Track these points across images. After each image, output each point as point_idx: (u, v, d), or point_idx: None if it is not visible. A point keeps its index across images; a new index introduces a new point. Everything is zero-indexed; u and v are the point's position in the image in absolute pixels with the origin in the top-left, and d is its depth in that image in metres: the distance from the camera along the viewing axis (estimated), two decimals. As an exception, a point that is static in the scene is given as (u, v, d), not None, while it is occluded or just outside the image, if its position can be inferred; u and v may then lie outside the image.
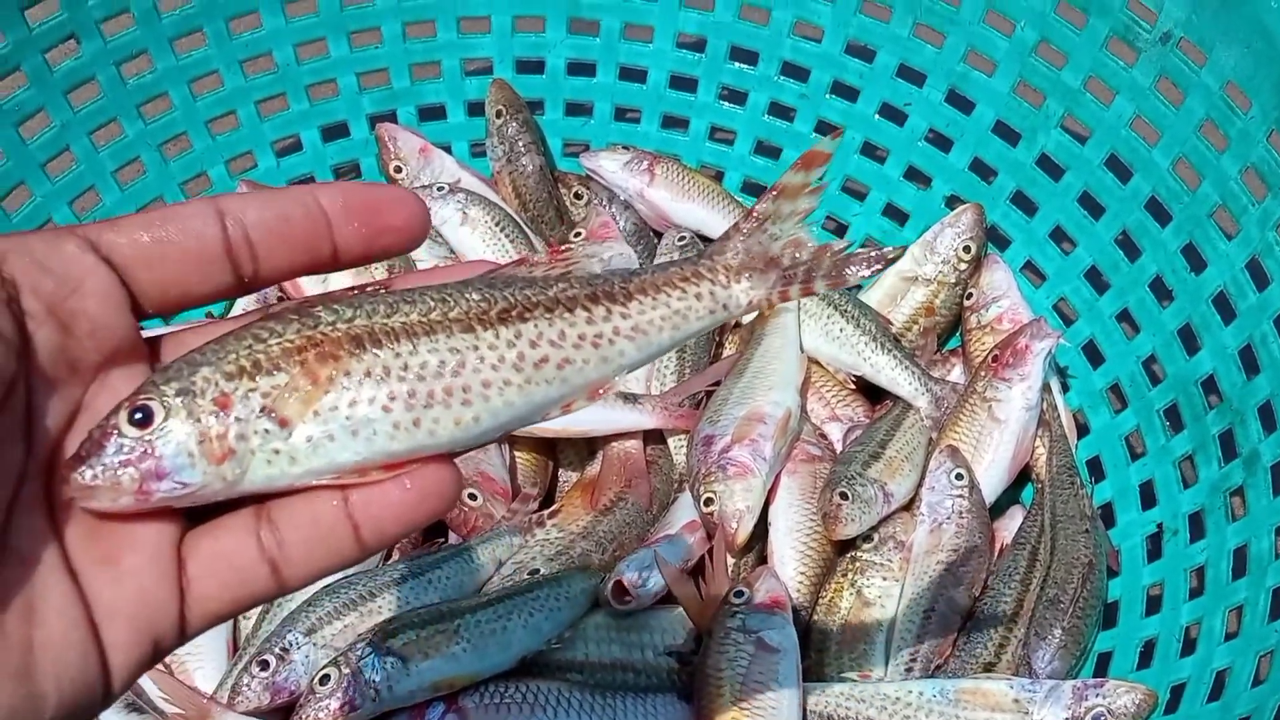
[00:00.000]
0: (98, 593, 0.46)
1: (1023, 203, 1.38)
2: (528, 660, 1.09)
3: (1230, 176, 1.16)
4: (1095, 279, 1.32)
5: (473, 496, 1.21)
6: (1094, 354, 1.32)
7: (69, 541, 0.47)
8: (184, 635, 0.48)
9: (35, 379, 0.46)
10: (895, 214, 1.47)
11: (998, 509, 1.28)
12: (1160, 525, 1.20)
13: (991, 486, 1.25)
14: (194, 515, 0.49)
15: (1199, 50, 1.18)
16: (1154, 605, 1.16)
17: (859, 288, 1.44)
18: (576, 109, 1.54)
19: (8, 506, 0.45)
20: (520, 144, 1.46)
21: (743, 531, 1.17)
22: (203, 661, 1.13)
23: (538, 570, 1.16)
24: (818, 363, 1.36)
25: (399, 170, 1.45)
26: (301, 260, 0.52)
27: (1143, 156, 1.25)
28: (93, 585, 0.46)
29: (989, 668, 1.14)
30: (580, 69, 1.51)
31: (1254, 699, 0.98)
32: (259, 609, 1.16)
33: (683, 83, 1.50)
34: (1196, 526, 1.17)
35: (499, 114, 1.47)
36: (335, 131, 1.49)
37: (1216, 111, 1.17)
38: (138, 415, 0.46)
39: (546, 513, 1.24)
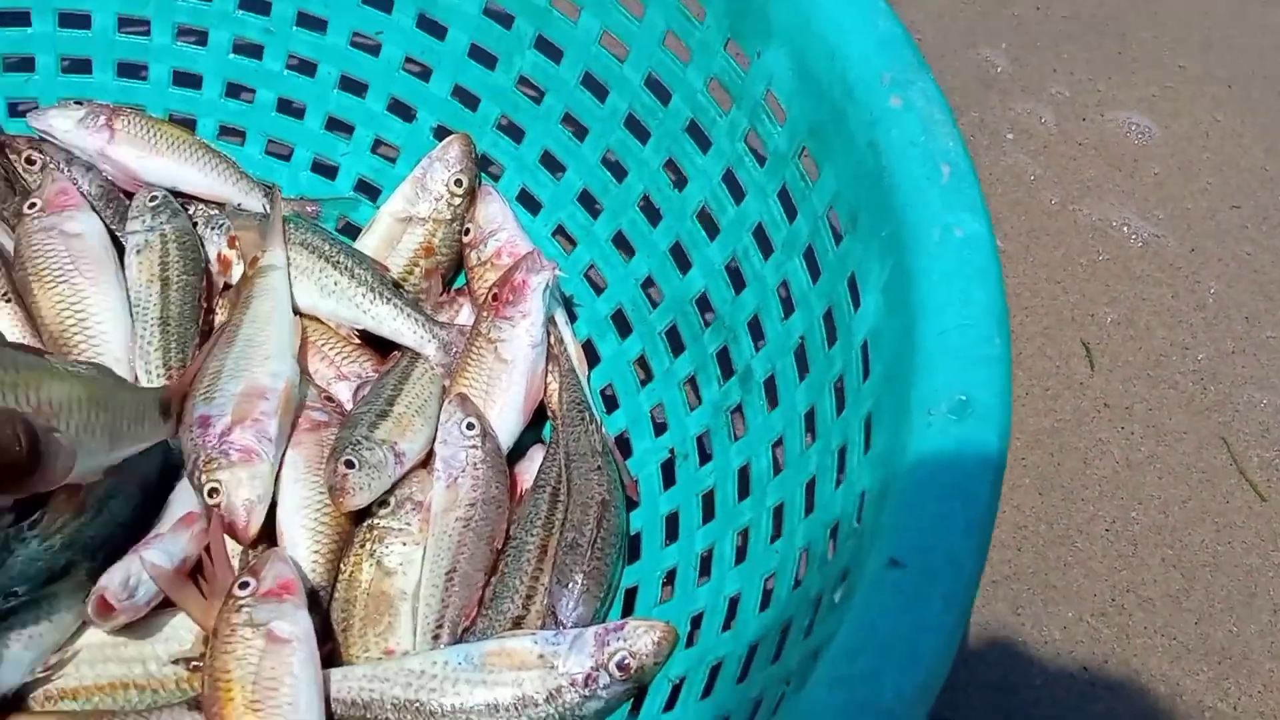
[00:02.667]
0: None
1: (511, 130, 1.33)
2: (8, 699, 0.98)
3: (697, 89, 1.14)
4: (589, 203, 1.29)
5: (-70, 526, 1.06)
6: (598, 280, 1.29)
7: None
8: None
9: None
10: (386, 149, 1.39)
11: (520, 450, 1.24)
12: (673, 450, 1.18)
13: (508, 431, 1.21)
14: None
15: (649, -45, 1.15)
16: (673, 533, 1.15)
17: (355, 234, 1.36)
18: (18, 64, 1.36)
19: None
20: (-52, 110, 1.29)
21: (255, 522, 1.09)
22: None
23: (15, 592, 1.03)
24: (318, 319, 1.27)
25: None
26: None
27: (616, 74, 1.21)
28: None
29: (519, 621, 1.10)
30: (12, 19, 1.34)
31: (761, 624, 0.96)
32: None
33: (134, 25, 1.36)
34: (705, 449, 1.16)
35: (-84, 78, 1.28)
36: None
37: (675, 23, 1.14)
38: None
39: (27, 523, 1.10)
